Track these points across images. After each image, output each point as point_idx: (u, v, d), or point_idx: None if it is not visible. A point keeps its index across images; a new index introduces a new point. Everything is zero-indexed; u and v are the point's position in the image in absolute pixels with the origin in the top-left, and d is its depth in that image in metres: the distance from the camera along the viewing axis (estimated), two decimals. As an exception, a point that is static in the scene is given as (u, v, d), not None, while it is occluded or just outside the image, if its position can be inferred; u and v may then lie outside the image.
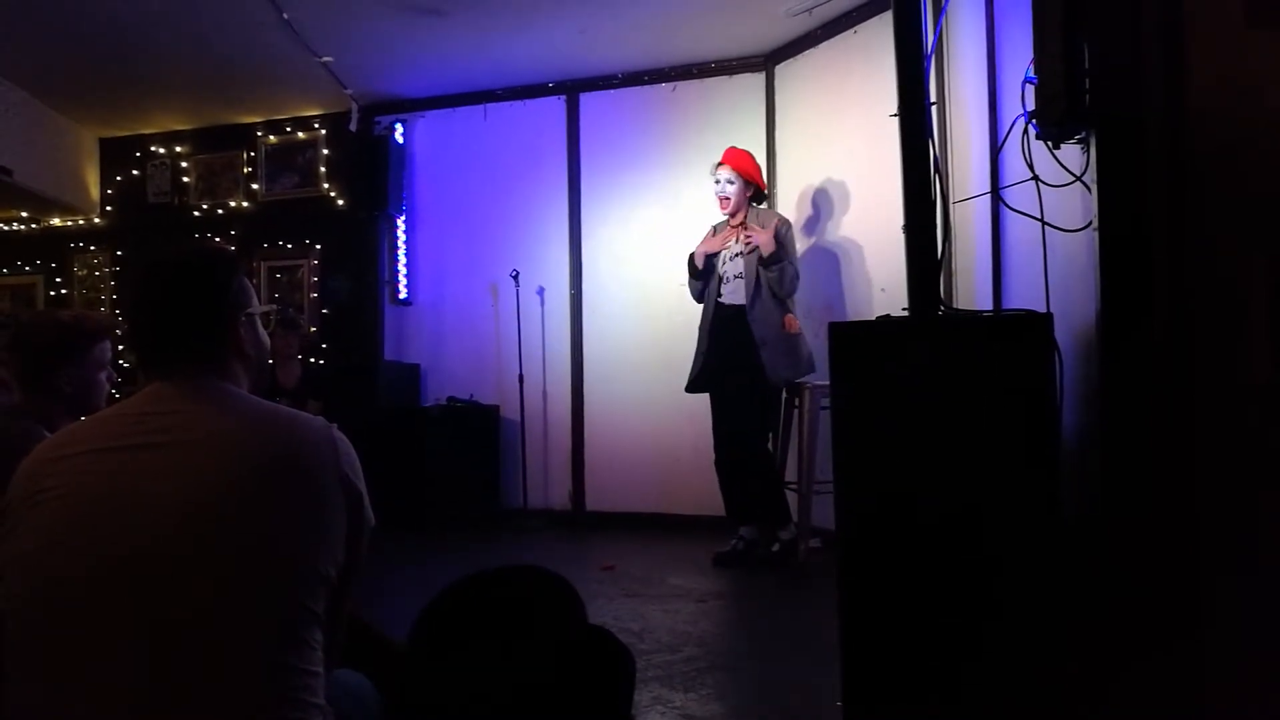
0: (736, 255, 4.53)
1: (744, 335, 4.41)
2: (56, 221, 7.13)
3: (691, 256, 4.67)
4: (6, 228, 7.21)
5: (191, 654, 1.15)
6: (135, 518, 1.20)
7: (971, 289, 3.92)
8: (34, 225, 7.18)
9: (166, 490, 1.21)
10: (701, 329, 4.64)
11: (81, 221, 7.09)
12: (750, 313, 4.41)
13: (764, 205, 4.83)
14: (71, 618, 1.17)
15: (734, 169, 4.54)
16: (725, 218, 4.65)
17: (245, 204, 6.84)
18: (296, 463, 1.29)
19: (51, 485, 1.25)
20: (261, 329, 1.51)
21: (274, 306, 6.47)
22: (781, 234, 4.45)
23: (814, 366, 4.45)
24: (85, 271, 7.10)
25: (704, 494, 5.67)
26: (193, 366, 1.38)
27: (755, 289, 4.43)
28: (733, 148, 4.66)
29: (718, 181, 4.58)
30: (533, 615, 1.12)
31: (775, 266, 4.36)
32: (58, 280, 7.13)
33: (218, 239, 6.77)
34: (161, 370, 1.38)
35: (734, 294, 4.52)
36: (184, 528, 1.19)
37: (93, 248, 7.08)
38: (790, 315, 4.48)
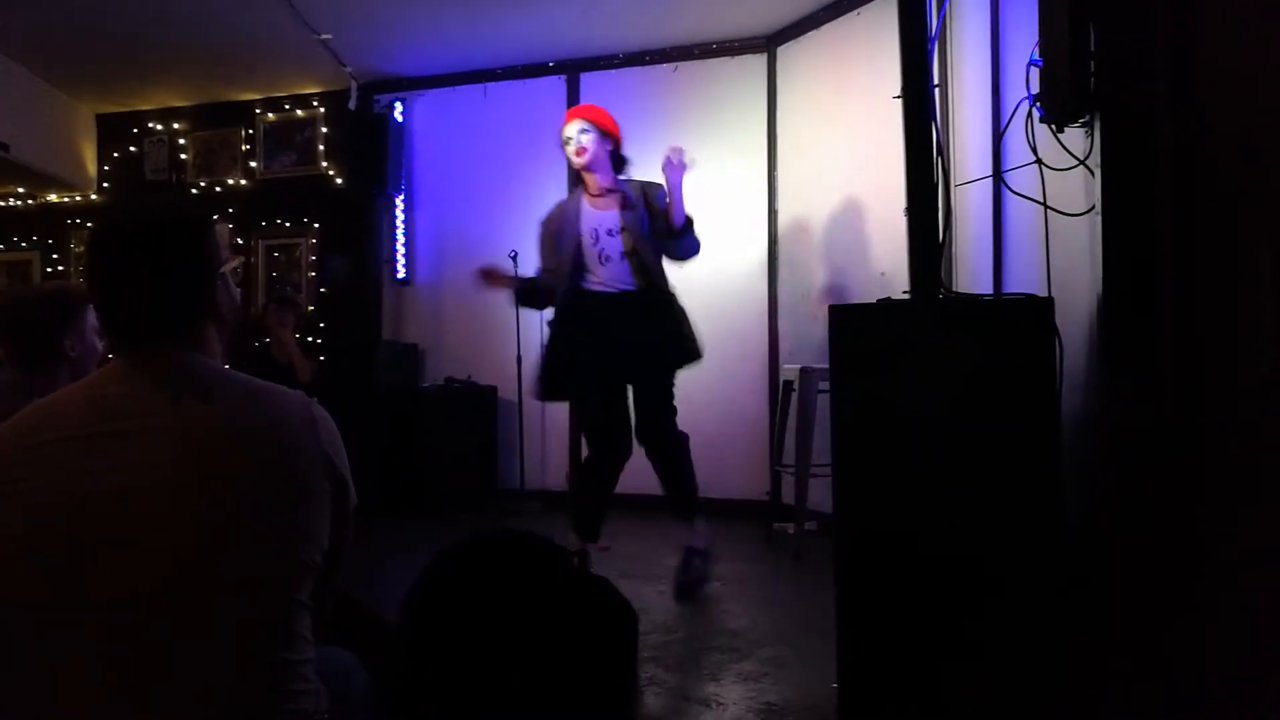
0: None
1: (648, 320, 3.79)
2: (53, 197, 7.09)
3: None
4: (3, 203, 7.17)
5: (176, 654, 1.12)
6: (109, 515, 1.15)
7: (972, 273, 3.91)
8: (30, 201, 7.15)
9: (140, 483, 1.16)
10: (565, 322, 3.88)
11: (78, 197, 7.06)
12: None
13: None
14: (51, 619, 1.14)
15: (588, 120, 3.86)
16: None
17: (243, 182, 6.80)
18: (275, 445, 1.23)
19: (21, 477, 1.18)
20: (232, 285, 1.41)
21: (239, 260, 6.42)
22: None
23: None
24: (82, 248, 7.07)
25: (699, 476, 5.67)
26: (165, 338, 1.28)
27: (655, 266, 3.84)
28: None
29: (568, 141, 3.85)
30: (523, 582, 1.09)
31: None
32: (54, 256, 7.10)
33: (216, 216, 6.72)
34: (130, 343, 1.28)
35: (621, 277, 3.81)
36: (160, 524, 1.14)
37: (89, 224, 7.04)
38: None
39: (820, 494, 4.12)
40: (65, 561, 1.14)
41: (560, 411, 6.08)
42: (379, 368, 6.14)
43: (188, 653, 1.13)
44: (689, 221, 3.72)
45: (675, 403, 3.82)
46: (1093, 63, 2.06)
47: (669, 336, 3.80)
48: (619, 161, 3.96)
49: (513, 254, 5.95)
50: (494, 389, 6.08)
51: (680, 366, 3.84)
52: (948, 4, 4.13)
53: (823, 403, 3.99)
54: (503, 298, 5.98)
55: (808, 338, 5.13)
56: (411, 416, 5.92)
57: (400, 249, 6.46)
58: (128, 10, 5.29)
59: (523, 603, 1.13)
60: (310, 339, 6.51)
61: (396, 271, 6.46)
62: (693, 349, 3.85)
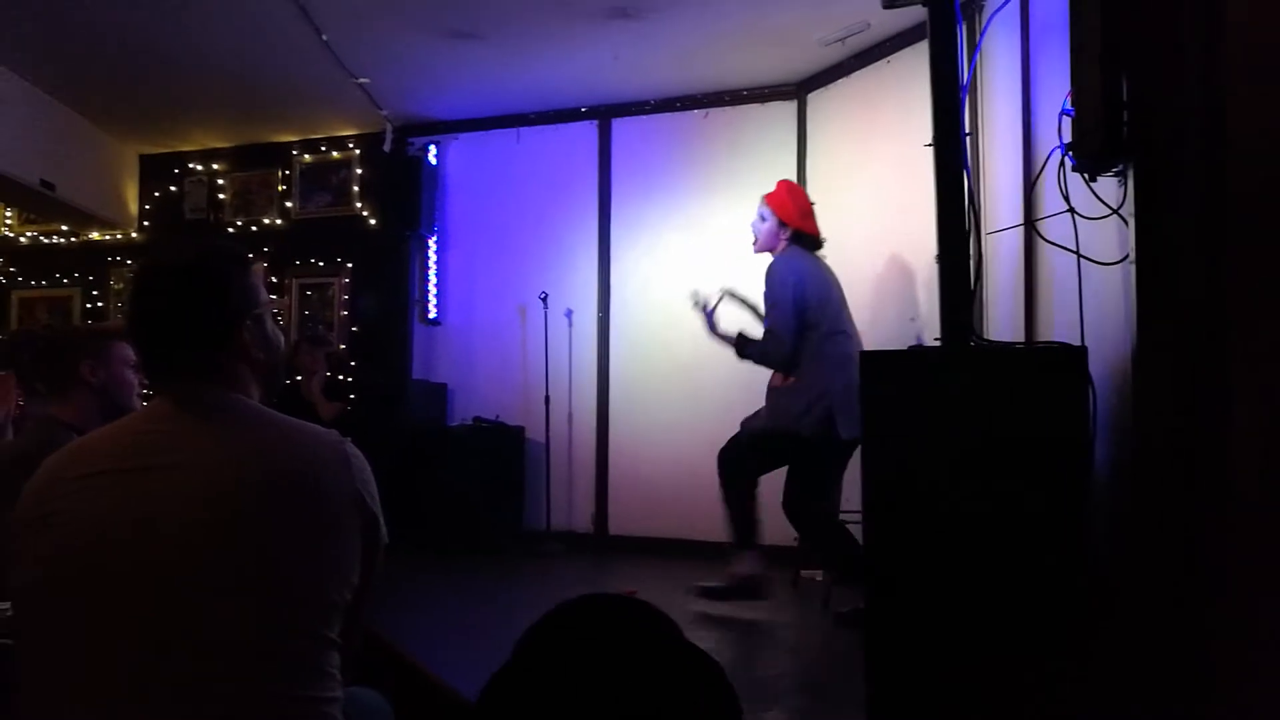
0: None
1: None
2: (95, 235, 7.24)
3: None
4: (47, 240, 7.33)
5: (205, 692, 1.12)
6: (140, 550, 1.16)
7: (1004, 320, 3.89)
8: (73, 239, 7.30)
9: (170, 518, 1.17)
10: None
11: (119, 236, 7.21)
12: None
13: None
14: (79, 653, 1.15)
15: (764, 204, 4.14)
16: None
17: (279, 221, 6.92)
18: (306, 484, 1.24)
19: (57, 510, 1.20)
20: (272, 326, 1.42)
21: (275, 297, 6.52)
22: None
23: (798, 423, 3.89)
24: (121, 285, 7.19)
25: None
26: (197, 378, 1.31)
27: None
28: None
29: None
30: (633, 662, 1.01)
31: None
32: (94, 293, 7.23)
33: (251, 255, 6.82)
34: (165, 382, 1.32)
35: None
36: (191, 561, 1.15)
37: (129, 261, 7.17)
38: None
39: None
40: (96, 593, 1.15)
41: (588, 453, 6.09)
42: (408, 406, 6.19)
43: (217, 686, 1.13)
44: (741, 343, 4.05)
45: (804, 487, 4.00)
46: (1125, 112, 2.06)
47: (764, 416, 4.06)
48: (807, 242, 4.12)
49: (543, 296, 6.02)
50: (521, 429, 6.10)
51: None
52: (979, 53, 4.15)
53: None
54: (527, 329, 6.02)
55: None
56: (439, 455, 5.94)
57: (431, 289, 6.52)
58: (172, 54, 5.44)
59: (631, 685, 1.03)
60: (341, 377, 6.57)
61: (427, 311, 6.52)
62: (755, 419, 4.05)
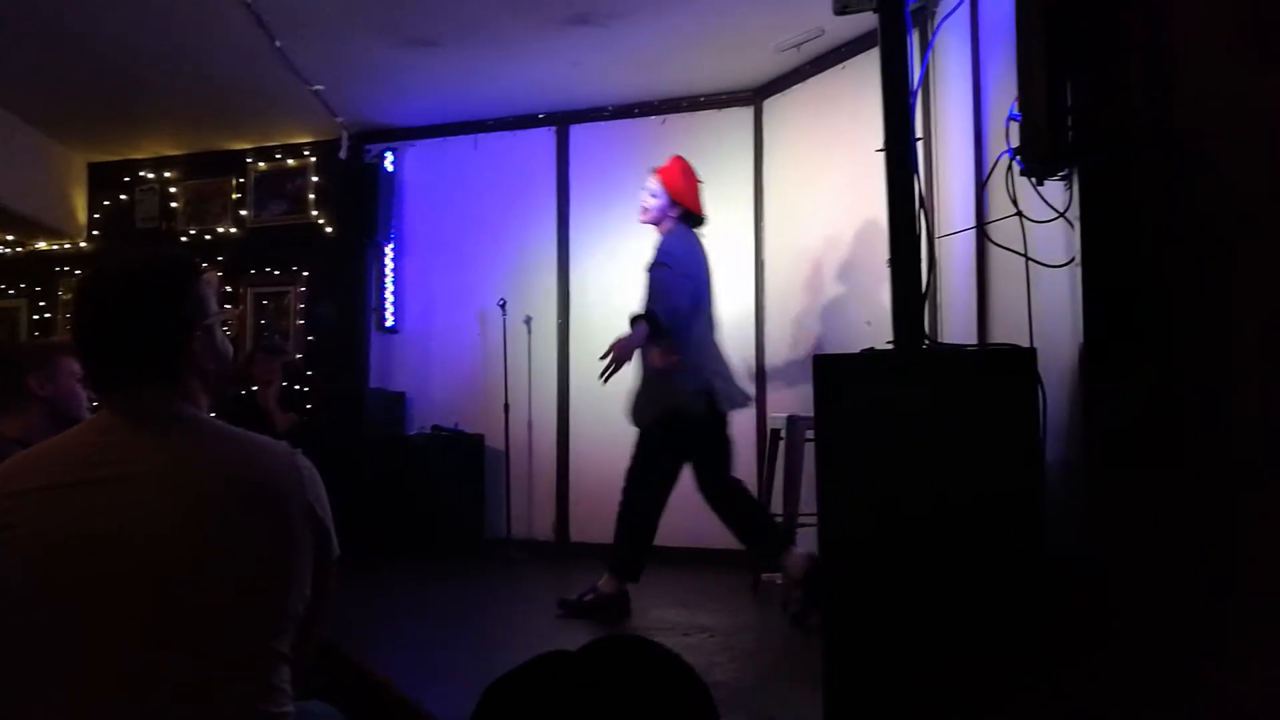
0: None
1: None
2: (42, 245, 7.09)
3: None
4: (-9, 251, 7.18)
5: (156, 707, 1.11)
6: (90, 560, 1.14)
7: (957, 322, 3.94)
8: (19, 249, 7.14)
9: (120, 533, 1.15)
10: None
11: (67, 245, 7.06)
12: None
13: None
14: (32, 670, 1.14)
15: (658, 181, 4.15)
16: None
17: (233, 230, 6.82)
18: (262, 495, 1.23)
19: (7, 525, 1.18)
20: (221, 336, 1.39)
21: (230, 307, 6.43)
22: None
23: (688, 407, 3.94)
24: (70, 296, 7.06)
25: (687, 527, 5.63)
26: (146, 388, 1.28)
27: None
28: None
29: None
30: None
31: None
32: (41, 304, 7.08)
33: (205, 264, 6.74)
34: (112, 393, 1.29)
35: None
36: (141, 575, 1.14)
37: (78, 272, 7.02)
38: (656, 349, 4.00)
39: (808, 544, 4.09)
40: (45, 607, 1.14)
41: (548, 460, 6.06)
42: (366, 415, 6.13)
43: (165, 702, 1.12)
44: (642, 318, 3.97)
45: (647, 467, 4.10)
46: (1070, 117, 2.10)
47: (637, 395, 4.18)
48: (692, 220, 4.20)
49: (501, 302, 6.00)
50: (481, 437, 6.07)
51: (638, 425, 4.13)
52: (930, 58, 4.21)
53: (810, 451, 3.99)
54: (486, 336, 6.00)
55: (794, 387, 5.13)
56: (398, 464, 5.89)
57: (389, 297, 6.47)
58: (122, 61, 5.34)
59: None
60: (297, 387, 6.49)
61: (384, 319, 6.46)
62: (639, 414, 4.14)
